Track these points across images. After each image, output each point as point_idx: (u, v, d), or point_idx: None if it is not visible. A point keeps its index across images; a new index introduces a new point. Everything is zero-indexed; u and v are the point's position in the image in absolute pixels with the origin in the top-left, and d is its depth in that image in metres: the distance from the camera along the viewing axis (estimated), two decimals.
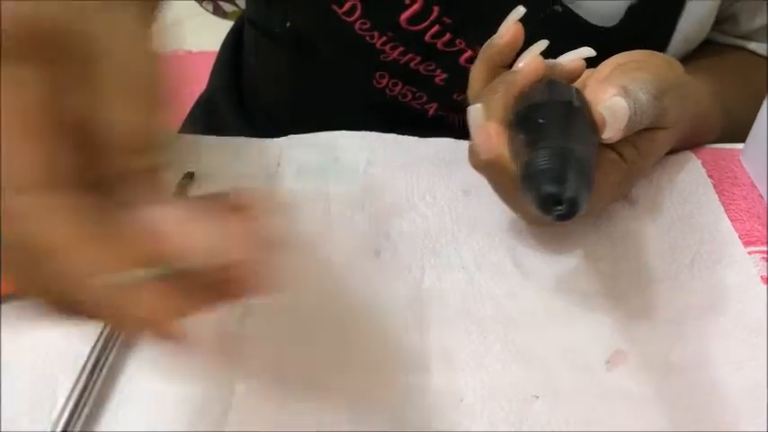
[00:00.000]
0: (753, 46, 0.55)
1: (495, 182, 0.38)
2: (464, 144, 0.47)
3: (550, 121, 0.33)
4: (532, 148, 0.31)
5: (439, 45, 0.51)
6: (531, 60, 0.37)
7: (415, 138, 0.48)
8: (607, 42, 0.40)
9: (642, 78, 0.36)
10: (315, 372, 0.34)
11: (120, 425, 0.32)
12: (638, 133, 0.37)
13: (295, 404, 0.33)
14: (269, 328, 0.36)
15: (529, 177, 0.31)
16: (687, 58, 0.54)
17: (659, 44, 0.51)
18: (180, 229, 0.22)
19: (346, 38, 0.51)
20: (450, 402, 0.33)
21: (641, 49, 0.40)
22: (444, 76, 0.53)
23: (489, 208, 0.41)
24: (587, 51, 0.38)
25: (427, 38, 0.51)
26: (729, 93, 0.48)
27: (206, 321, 0.22)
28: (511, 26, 0.38)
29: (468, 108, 0.37)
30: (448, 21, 0.50)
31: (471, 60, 0.53)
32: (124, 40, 0.22)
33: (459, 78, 0.46)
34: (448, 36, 0.51)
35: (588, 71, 0.39)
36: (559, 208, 0.30)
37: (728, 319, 0.36)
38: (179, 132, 0.52)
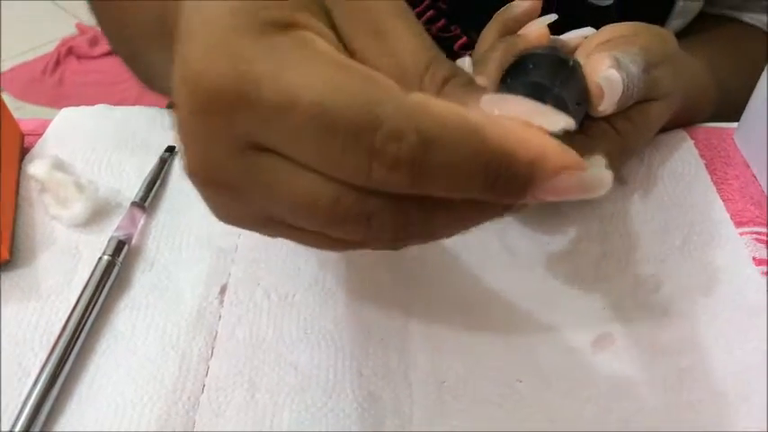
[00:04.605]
0: (747, 17, 0.54)
1: None
2: None
3: (538, 67, 0.32)
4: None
5: (434, 30, 0.51)
6: (536, 28, 0.35)
7: None
8: (606, 21, 0.39)
9: (631, 51, 0.35)
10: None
11: (93, 402, 0.32)
12: (631, 106, 0.36)
13: None
14: None
15: None
16: (682, 32, 0.53)
17: (658, 19, 0.50)
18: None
19: None
20: (432, 383, 0.32)
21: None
22: None
23: None
24: (589, 31, 0.37)
25: (422, 22, 0.50)
26: (724, 67, 0.47)
27: None
28: None
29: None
30: (443, 6, 0.49)
31: (466, 47, 0.53)
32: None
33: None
34: (443, 21, 0.50)
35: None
36: None
37: (719, 301, 0.35)
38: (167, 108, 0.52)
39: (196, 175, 0.23)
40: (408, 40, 0.24)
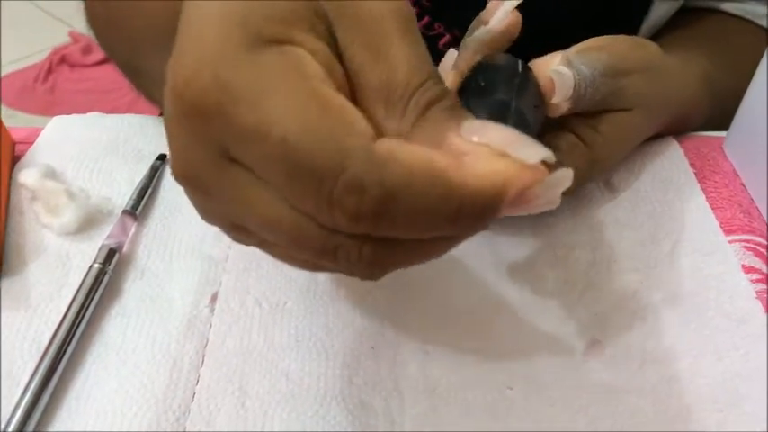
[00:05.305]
0: (727, 6, 0.53)
1: None
2: None
3: (491, 83, 0.31)
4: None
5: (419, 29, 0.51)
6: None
7: None
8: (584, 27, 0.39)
9: (589, 56, 0.35)
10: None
11: (83, 411, 0.31)
12: (598, 116, 0.36)
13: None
14: None
15: None
16: (666, 32, 0.53)
17: (636, 21, 0.50)
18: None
19: None
20: (422, 392, 0.32)
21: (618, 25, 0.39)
22: None
23: None
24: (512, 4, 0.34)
25: None
26: (718, 70, 0.46)
27: None
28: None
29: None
30: (426, 3, 0.49)
31: (450, 45, 0.53)
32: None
33: (439, 62, 0.44)
34: (426, 19, 0.50)
35: None
36: None
37: (708, 309, 0.35)
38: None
39: (176, 173, 0.24)
40: (405, 60, 0.23)
